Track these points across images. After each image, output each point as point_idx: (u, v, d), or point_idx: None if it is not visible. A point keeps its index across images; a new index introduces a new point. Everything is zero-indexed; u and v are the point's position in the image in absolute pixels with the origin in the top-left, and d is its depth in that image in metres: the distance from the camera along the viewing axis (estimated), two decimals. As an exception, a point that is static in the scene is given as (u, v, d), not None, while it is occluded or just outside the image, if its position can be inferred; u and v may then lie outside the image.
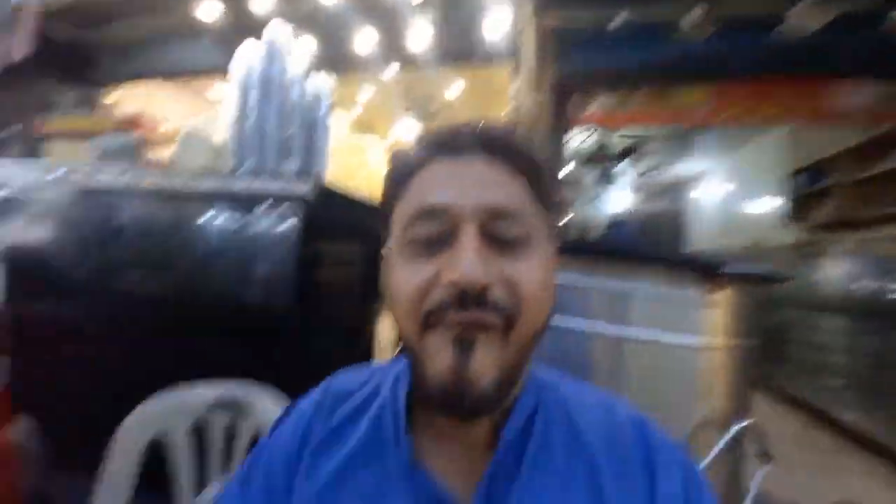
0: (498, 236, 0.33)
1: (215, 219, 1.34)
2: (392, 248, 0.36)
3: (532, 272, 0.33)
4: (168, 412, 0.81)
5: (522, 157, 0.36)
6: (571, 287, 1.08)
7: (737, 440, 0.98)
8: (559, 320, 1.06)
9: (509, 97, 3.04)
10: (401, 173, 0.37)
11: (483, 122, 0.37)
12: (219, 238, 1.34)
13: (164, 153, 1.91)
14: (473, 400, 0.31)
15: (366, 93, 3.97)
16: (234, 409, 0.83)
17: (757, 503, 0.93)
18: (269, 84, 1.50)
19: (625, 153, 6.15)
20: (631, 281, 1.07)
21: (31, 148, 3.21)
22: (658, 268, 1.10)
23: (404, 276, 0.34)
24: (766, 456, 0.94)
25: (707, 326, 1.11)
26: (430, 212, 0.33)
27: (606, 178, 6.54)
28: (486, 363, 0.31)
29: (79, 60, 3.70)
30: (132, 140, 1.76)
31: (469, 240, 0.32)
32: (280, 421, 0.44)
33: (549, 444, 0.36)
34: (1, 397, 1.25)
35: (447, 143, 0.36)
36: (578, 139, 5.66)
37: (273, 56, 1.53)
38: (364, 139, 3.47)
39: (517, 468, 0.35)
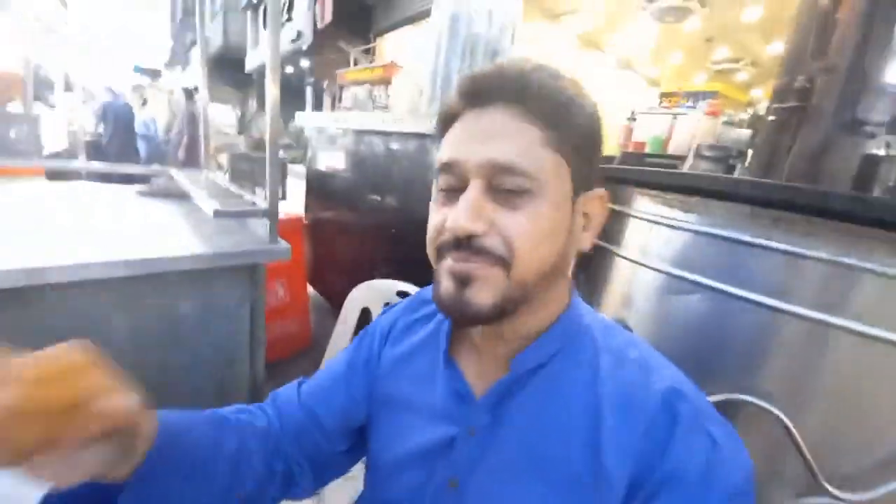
0: (502, 188, 0.36)
1: (416, 153, 1.65)
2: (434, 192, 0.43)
3: (524, 223, 0.36)
4: (372, 293, 1.23)
5: (540, 102, 0.36)
6: (760, 248, 0.80)
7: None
8: (729, 285, 0.82)
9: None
10: (441, 126, 0.42)
11: (507, 67, 0.38)
12: (415, 169, 1.64)
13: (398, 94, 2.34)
14: (468, 315, 0.37)
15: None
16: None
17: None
18: (457, 20, 1.59)
19: None
20: (860, 252, 0.70)
21: (335, 97, 4.40)
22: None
23: (432, 218, 0.40)
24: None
25: None
26: (447, 166, 0.39)
27: None
28: (481, 292, 0.36)
29: (359, 17, 4.63)
30: (371, 89, 2.24)
31: (468, 193, 0.36)
32: (388, 309, 0.59)
33: (562, 380, 0.41)
34: (299, 270, 2.05)
35: (473, 95, 0.38)
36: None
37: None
38: (583, 58, 3.13)
39: (525, 388, 0.41)
